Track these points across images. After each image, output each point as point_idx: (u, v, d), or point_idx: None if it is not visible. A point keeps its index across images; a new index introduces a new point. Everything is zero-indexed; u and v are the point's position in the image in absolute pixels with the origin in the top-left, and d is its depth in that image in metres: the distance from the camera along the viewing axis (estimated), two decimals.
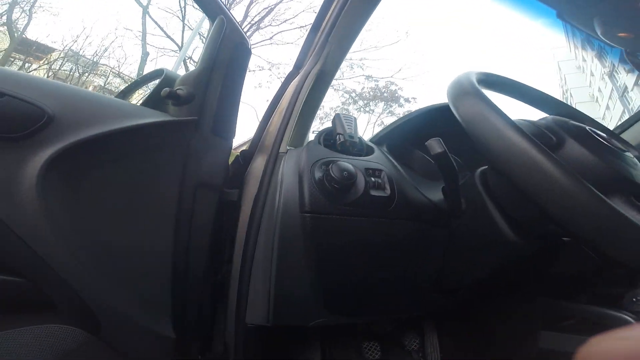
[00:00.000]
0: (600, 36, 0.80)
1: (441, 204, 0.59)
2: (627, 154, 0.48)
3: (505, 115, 0.41)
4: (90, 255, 0.52)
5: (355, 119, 0.68)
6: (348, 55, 0.88)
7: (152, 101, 0.65)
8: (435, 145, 0.47)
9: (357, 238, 0.54)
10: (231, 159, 0.73)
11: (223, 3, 0.67)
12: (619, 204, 0.42)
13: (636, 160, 0.48)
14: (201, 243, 0.66)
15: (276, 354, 0.91)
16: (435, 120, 0.73)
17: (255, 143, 0.76)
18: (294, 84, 0.75)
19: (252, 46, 0.70)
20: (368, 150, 0.66)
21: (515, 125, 0.40)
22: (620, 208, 0.37)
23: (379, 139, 0.74)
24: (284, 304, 0.59)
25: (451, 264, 0.62)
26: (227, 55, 0.67)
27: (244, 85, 0.70)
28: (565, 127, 0.48)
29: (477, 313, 1.02)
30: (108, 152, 0.55)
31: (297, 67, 0.79)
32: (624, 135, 1.41)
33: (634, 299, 0.80)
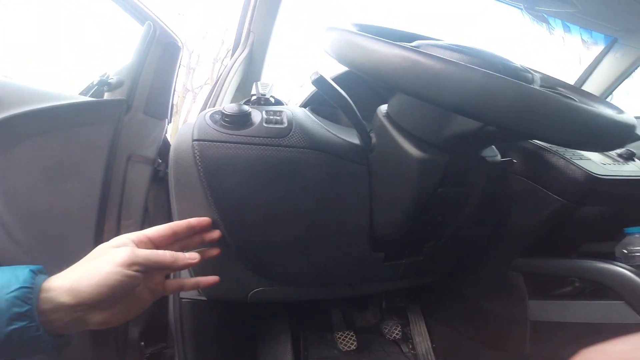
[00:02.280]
0: None
1: (357, 143, 0.59)
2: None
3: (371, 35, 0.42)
4: (16, 213, 0.57)
5: (272, 84, 0.73)
6: None
7: (91, 91, 0.75)
8: (312, 74, 0.49)
9: (251, 167, 0.52)
10: None
11: (151, 11, 0.78)
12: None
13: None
14: (134, 212, 0.69)
15: (245, 345, 0.86)
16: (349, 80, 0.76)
17: None
18: (226, 71, 0.84)
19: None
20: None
21: (377, 39, 0.40)
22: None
23: (305, 102, 0.77)
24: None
25: (379, 205, 0.60)
26: (158, 53, 0.77)
27: (177, 74, 0.80)
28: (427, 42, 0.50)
29: (460, 292, 0.93)
30: (38, 126, 0.62)
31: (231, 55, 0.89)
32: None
33: (624, 251, 0.72)
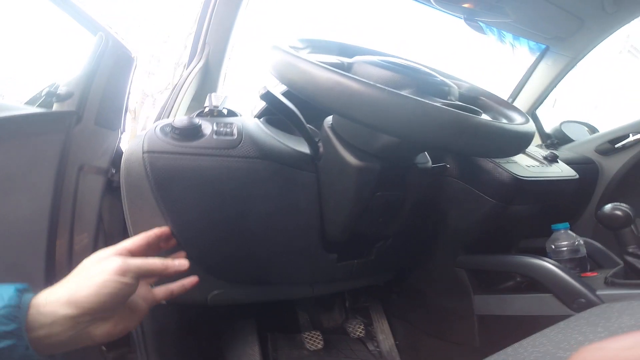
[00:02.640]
0: (437, 6, 0.93)
1: (306, 152, 0.63)
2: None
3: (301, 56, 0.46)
4: None
5: (227, 96, 0.75)
6: None
7: (38, 102, 0.73)
8: (260, 89, 0.52)
9: (201, 177, 0.54)
10: None
11: (103, 22, 0.78)
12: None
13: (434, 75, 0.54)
14: (87, 223, 0.68)
15: (210, 347, 0.86)
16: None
17: None
18: (181, 81, 0.85)
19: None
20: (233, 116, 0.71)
21: (306, 60, 0.45)
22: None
23: (260, 113, 0.80)
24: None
25: (327, 209, 0.64)
26: (110, 64, 0.76)
27: (130, 85, 0.80)
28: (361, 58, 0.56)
29: (417, 289, 0.98)
30: None
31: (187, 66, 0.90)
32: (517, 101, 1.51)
33: (552, 246, 0.80)
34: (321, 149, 0.61)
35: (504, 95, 1.60)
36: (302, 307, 1.02)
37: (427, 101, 0.40)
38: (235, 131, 0.59)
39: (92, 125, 0.73)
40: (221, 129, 0.58)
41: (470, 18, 1.01)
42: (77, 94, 0.71)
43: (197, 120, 0.57)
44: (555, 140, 1.49)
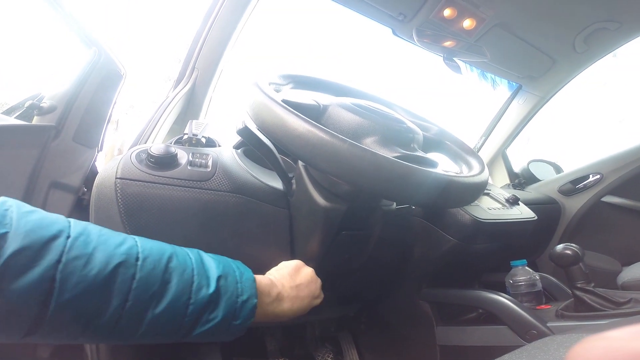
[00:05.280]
0: (420, 45, 1.00)
1: (279, 188, 0.65)
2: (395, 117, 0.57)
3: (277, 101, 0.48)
4: None
5: (207, 123, 0.77)
6: None
7: (17, 112, 0.73)
8: (238, 123, 0.55)
9: (171, 207, 0.55)
10: None
11: (99, 36, 0.80)
12: (378, 149, 0.50)
13: (400, 120, 0.58)
14: None
15: None
16: None
17: None
18: (165, 104, 0.87)
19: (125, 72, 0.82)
20: (212, 146, 0.72)
21: (278, 102, 0.47)
22: (376, 150, 0.43)
23: (238, 144, 0.82)
24: None
25: (298, 243, 0.66)
26: (98, 80, 0.78)
27: (113, 104, 0.81)
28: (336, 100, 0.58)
29: (384, 320, 1.00)
30: None
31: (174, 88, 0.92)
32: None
33: (511, 281, 0.85)
34: (294, 186, 0.63)
35: (479, 134, 1.67)
36: (270, 334, 1.02)
37: (384, 153, 0.43)
38: (210, 163, 0.60)
39: (69, 141, 0.73)
40: (196, 160, 0.60)
41: (449, 57, 1.09)
42: (60, 108, 0.72)
43: (173, 149, 0.58)
44: (523, 180, 1.56)
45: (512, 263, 0.88)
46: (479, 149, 1.67)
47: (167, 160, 0.56)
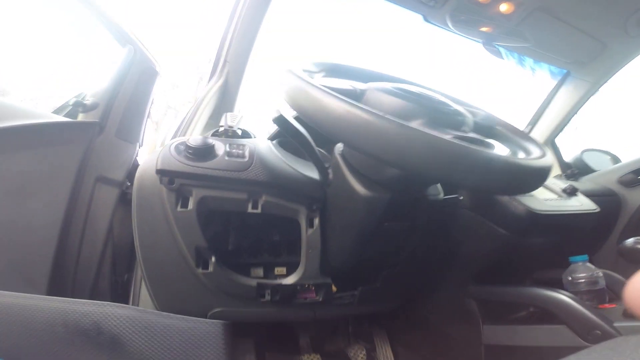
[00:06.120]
0: (456, 31, 0.94)
1: (315, 178, 0.63)
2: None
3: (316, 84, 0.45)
4: None
5: (242, 116, 0.77)
6: None
7: (65, 110, 0.77)
8: (274, 112, 0.53)
9: (213, 200, 0.56)
10: None
11: (134, 35, 0.82)
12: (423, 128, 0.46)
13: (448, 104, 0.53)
14: (98, 232, 0.70)
15: None
16: None
17: None
18: (199, 100, 0.88)
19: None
20: (247, 137, 0.72)
21: (318, 87, 0.44)
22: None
23: (274, 135, 0.81)
24: (164, 290, 0.60)
25: (332, 235, 0.64)
26: (136, 77, 0.80)
27: (151, 100, 0.83)
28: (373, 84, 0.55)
29: (423, 317, 0.96)
30: (9, 142, 0.63)
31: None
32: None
33: (569, 278, 0.78)
34: (330, 176, 0.61)
35: (523, 122, 1.57)
36: (303, 329, 1.00)
37: (436, 134, 0.38)
38: (247, 153, 0.60)
39: (112, 137, 0.75)
40: (233, 150, 0.60)
41: (489, 42, 1.02)
42: (102, 105, 0.75)
43: (210, 141, 0.59)
44: (576, 171, 1.43)
45: (572, 259, 0.80)
46: None
47: (205, 151, 0.57)
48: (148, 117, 0.82)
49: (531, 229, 0.72)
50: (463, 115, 0.53)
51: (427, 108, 0.49)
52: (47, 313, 0.38)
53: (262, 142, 0.67)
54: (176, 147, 0.57)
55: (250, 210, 0.58)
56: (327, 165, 0.62)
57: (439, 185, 0.65)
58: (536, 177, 0.46)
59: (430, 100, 0.52)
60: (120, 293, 0.76)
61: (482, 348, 0.81)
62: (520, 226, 0.71)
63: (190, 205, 0.55)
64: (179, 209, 0.55)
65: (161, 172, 0.54)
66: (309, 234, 0.62)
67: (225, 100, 0.91)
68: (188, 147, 0.57)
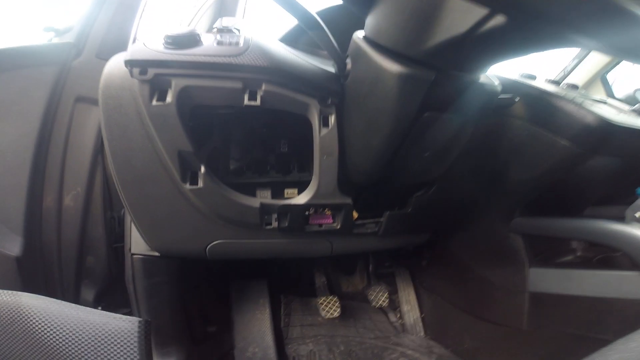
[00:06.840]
0: None
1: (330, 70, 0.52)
2: None
3: None
4: None
5: (241, 21, 0.65)
6: None
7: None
8: None
9: (198, 91, 0.47)
10: None
11: None
12: None
13: None
14: (81, 152, 0.65)
15: (213, 309, 0.81)
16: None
17: None
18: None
19: None
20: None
21: None
22: None
23: (282, 38, 0.68)
24: (148, 218, 0.53)
25: (353, 139, 0.52)
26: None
27: (138, 20, 0.73)
28: None
29: (454, 256, 0.84)
30: None
31: None
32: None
33: (636, 215, 0.63)
34: (349, 66, 0.49)
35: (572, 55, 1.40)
36: (319, 268, 0.93)
37: None
38: (241, 41, 0.49)
39: (93, 58, 0.69)
40: (225, 40, 0.49)
41: None
42: (77, 27, 0.68)
43: (196, 30, 0.48)
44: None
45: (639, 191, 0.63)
46: (568, 72, 1.40)
47: (187, 39, 0.47)
48: (135, 39, 0.73)
49: (602, 143, 0.56)
50: None
51: None
52: None
53: (261, 34, 0.55)
54: (151, 39, 0.48)
55: (247, 102, 0.47)
56: (345, 54, 0.49)
57: (495, 75, 0.50)
58: None
59: None
60: (118, 231, 0.71)
61: (526, 296, 0.69)
62: (590, 137, 0.56)
63: (169, 98, 0.46)
64: (154, 102, 0.46)
65: (130, 63, 0.44)
66: (322, 134, 0.51)
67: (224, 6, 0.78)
68: (167, 36, 0.46)
